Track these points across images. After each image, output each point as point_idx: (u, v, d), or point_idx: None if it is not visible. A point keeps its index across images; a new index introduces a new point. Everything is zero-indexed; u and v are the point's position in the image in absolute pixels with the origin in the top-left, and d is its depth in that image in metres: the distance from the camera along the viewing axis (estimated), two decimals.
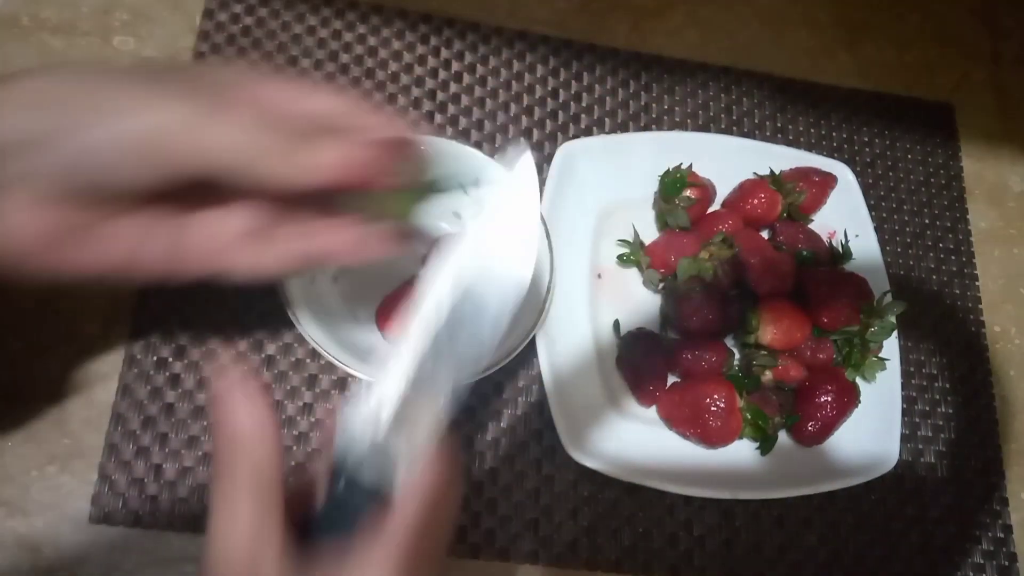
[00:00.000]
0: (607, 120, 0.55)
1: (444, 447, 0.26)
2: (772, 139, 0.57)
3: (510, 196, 0.30)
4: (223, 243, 0.31)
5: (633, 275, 0.51)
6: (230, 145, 0.27)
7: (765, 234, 0.53)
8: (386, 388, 0.26)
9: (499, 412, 0.46)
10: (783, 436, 0.48)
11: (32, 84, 0.27)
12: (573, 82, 0.55)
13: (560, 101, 0.55)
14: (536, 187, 0.30)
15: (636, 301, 0.50)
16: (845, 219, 0.53)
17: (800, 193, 0.51)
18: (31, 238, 0.27)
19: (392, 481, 0.25)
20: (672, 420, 0.46)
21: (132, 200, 0.29)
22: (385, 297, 0.44)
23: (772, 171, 0.52)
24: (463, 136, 0.52)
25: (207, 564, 0.23)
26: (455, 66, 0.54)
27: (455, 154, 0.45)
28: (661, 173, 0.50)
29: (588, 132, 0.54)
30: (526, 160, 0.30)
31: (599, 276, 0.50)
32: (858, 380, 0.49)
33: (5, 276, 0.28)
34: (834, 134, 0.59)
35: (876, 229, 0.54)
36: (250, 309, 0.45)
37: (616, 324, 0.49)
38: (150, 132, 0.26)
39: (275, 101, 0.29)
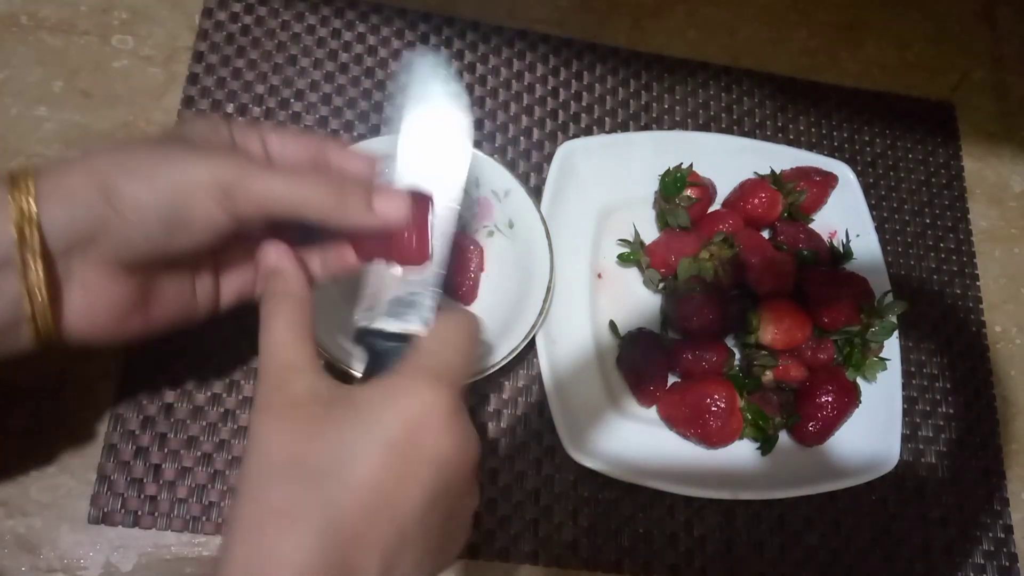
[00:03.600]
0: (607, 119, 0.55)
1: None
2: (773, 138, 0.57)
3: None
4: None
5: (633, 275, 0.51)
6: (314, 195, 0.30)
7: (766, 234, 0.52)
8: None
9: (499, 412, 0.46)
10: (784, 436, 0.48)
11: (72, 171, 0.28)
12: (573, 81, 0.55)
13: (560, 100, 0.54)
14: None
15: (636, 301, 0.50)
16: (846, 219, 0.53)
17: (801, 193, 0.51)
18: (103, 314, 0.30)
19: (417, 326, 0.31)
20: (672, 420, 0.46)
21: (186, 259, 0.32)
22: None
23: (773, 171, 0.52)
24: None
25: (258, 377, 0.28)
26: (455, 65, 0.54)
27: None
28: (661, 172, 0.50)
29: (588, 131, 0.54)
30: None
31: (599, 276, 0.50)
32: (859, 380, 0.49)
33: (83, 347, 0.31)
34: (835, 134, 0.59)
35: (877, 229, 0.54)
36: (250, 309, 0.45)
37: (616, 324, 0.49)
38: (212, 182, 0.29)
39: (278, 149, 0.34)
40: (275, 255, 0.32)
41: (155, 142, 0.31)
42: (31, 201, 0.27)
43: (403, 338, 0.31)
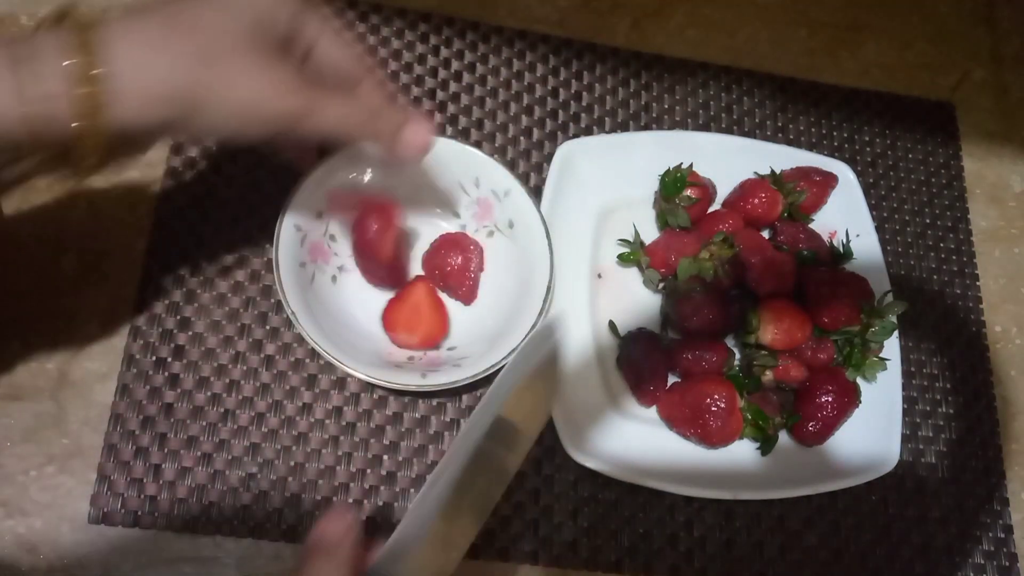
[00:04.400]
0: (607, 119, 0.55)
1: None
2: (773, 138, 0.57)
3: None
4: None
5: (633, 275, 0.51)
6: (352, 127, 0.35)
7: (766, 234, 0.52)
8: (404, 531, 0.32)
9: None
10: (784, 436, 0.48)
11: (156, 73, 0.29)
12: (573, 81, 0.55)
13: (560, 100, 0.54)
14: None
15: (636, 301, 0.50)
16: (846, 219, 0.53)
17: (801, 193, 0.51)
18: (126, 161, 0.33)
19: None
20: (672, 420, 0.46)
21: None
22: (390, 300, 0.44)
23: (773, 170, 0.52)
24: (463, 135, 0.52)
25: None
26: (455, 65, 0.54)
27: (455, 153, 0.45)
28: (661, 172, 0.50)
29: (588, 131, 0.54)
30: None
31: (599, 276, 0.50)
32: (859, 380, 0.49)
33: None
34: (835, 133, 0.59)
35: (877, 229, 0.54)
36: (250, 309, 0.45)
37: (616, 324, 0.49)
38: (277, 119, 0.32)
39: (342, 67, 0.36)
40: (340, 515, 0.34)
41: (234, 33, 0.31)
42: (102, 103, 0.28)
43: None
